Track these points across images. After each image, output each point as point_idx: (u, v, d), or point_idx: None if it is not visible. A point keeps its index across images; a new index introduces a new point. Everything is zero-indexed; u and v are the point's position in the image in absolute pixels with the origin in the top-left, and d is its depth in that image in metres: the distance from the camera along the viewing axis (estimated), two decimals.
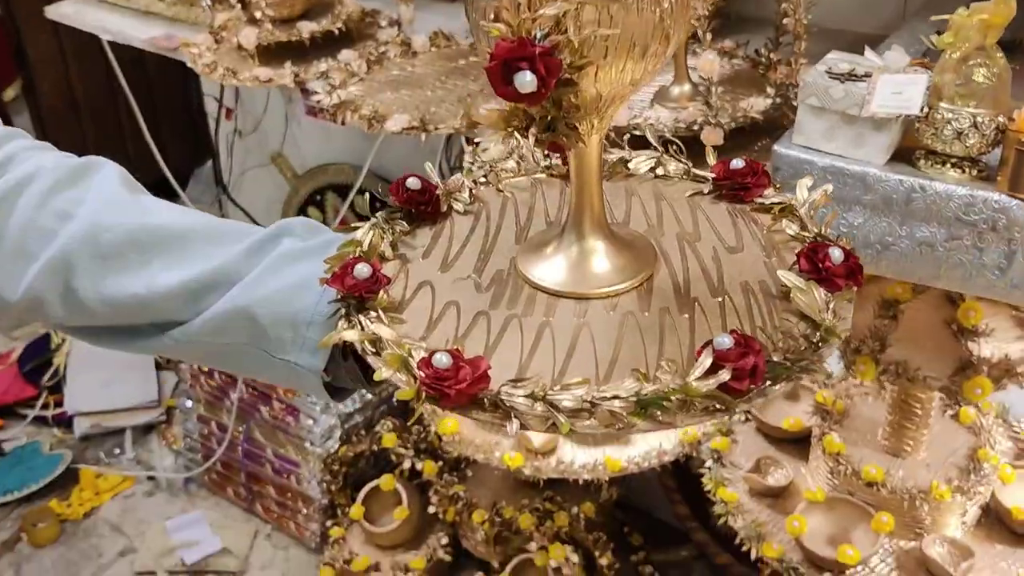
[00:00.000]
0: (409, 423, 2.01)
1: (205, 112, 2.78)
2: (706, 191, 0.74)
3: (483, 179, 0.78)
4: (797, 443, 1.63)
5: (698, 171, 0.76)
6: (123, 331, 0.75)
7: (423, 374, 0.55)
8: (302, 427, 2.12)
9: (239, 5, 1.67)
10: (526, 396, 0.55)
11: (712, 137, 1.22)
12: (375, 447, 2.12)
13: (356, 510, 2.03)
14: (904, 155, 1.02)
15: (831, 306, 0.59)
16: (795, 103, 1.24)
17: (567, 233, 0.66)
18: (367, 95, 1.54)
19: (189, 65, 1.68)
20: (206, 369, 2.23)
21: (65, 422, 2.55)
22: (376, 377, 0.58)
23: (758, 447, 1.65)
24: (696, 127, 1.24)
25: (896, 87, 0.98)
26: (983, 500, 1.47)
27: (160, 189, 2.85)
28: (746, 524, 1.50)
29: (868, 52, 1.05)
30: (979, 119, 0.95)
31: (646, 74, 0.58)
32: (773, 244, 0.68)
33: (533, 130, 0.56)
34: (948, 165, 0.98)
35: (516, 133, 0.57)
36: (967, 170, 0.98)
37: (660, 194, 0.75)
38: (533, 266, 0.67)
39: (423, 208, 0.73)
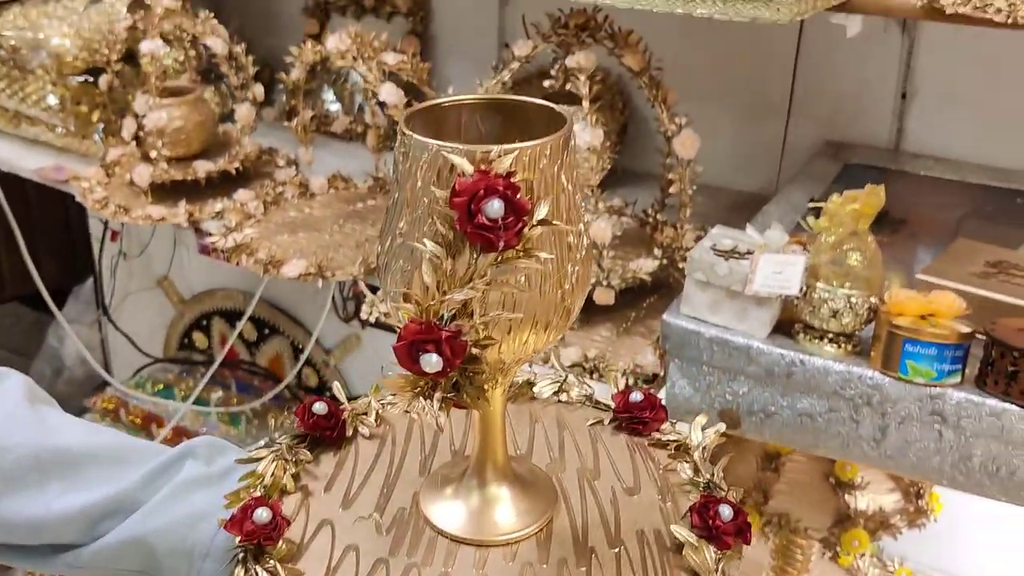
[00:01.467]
0: None
1: (87, 227, 2.71)
2: (606, 421, 0.77)
3: (391, 398, 0.79)
4: None
5: (599, 399, 0.79)
6: (15, 548, 0.72)
7: None
8: None
9: (133, 142, 1.66)
10: None
11: (603, 297, 1.27)
12: None
13: None
14: (784, 328, 1.07)
15: (720, 566, 0.61)
16: (680, 265, 1.30)
17: (468, 478, 0.67)
18: (263, 237, 1.54)
19: (79, 199, 1.66)
20: None
21: None
22: None
23: None
24: (588, 288, 1.28)
25: (776, 267, 1.04)
26: None
27: (35, 306, 2.75)
28: None
29: (749, 229, 1.12)
30: (853, 299, 1.01)
31: (548, 342, 0.60)
32: (668, 487, 0.70)
33: (438, 395, 0.58)
34: (825, 340, 1.04)
35: (421, 398, 0.58)
36: (843, 345, 1.04)
37: (563, 422, 0.77)
38: (434, 507, 0.67)
39: (328, 433, 0.74)
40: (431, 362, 0.54)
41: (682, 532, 0.63)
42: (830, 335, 1.04)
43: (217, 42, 1.63)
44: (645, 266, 1.30)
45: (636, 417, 0.75)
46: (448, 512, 0.66)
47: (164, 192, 1.63)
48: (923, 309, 0.99)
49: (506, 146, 0.53)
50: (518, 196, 0.53)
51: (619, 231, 1.39)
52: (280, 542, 0.64)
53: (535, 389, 0.81)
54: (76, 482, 0.70)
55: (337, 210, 1.64)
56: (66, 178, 1.72)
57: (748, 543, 0.64)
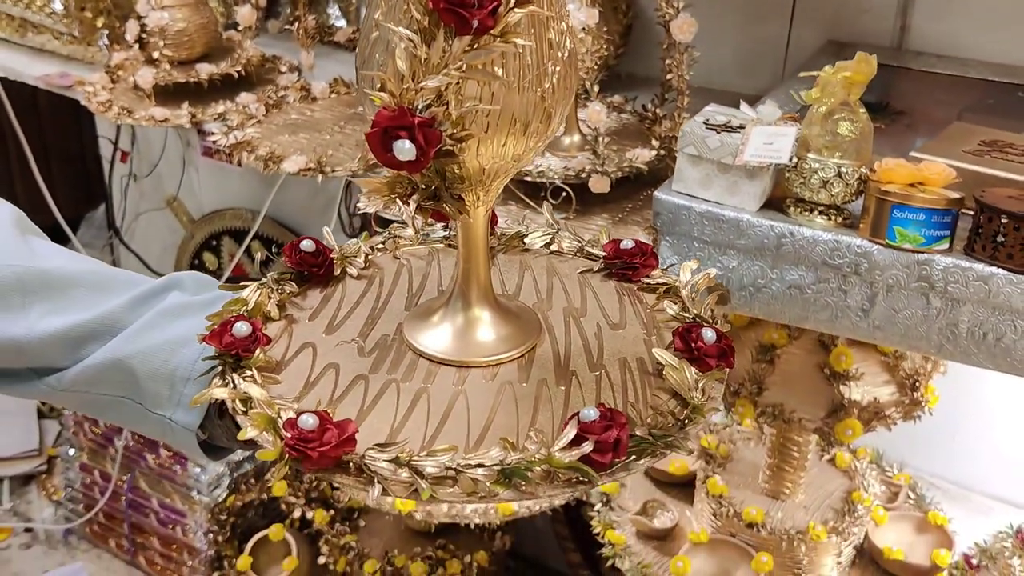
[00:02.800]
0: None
1: (99, 155, 2.73)
2: (596, 269, 0.77)
3: (381, 245, 0.80)
4: (683, 486, 1.67)
5: (591, 249, 0.79)
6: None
7: (288, 435, 0.55)
8: (189, 475, 2.07)
9: (136, 45, 1.67)
10: (390, 461, 0.55)
11: (599, 185, 1.27)
12: (265, 496, 2.09)
13: (243, 561, 1.98)
14: (775, 203, 1.07)
15: (701, 385, 0.61)
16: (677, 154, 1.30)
17: (453, 302, 0.67)
18: (264, 137, 1.54)
19: (83, 103, 1.66)
20: (90, 417, 2.17)
21: None
22: (240, 436, 0.57)
23: (645, 490, 1.68)
24: (585, 175, 1.28)
25: (767, 138, 1.04)
26: (857, 541, 1.52)
27: (51, 233, 2.78)
28: (633, 566, 1.53)
29: (743, 106, 1.11)
30: (843, 169, 1.01)
31: (528, 150, 0.60)
32: (654, 323, 0.70)
33: (416, 198, 0.57)
34: (815, 212, 1.04)
35: (399, 200, 0.58)
36: (833, 217, 1.04)
37: (553, 269, 0.78)
38: (418, 332, 0.68)
39: (315, 271, 0.74)
40: (404, 149, 0.54)
41: (663, 355, 0.64)
42: (820, 207, 1.04)
43: None
44: (642, 155, 1.30)
45: (626, 263, 0.76)
46: (432, 335, 0.67)
47: (168, 95, 1.64)
48: (913, 177, 0.99)
49: None
50: None
51: (618, 125, 1.38)
52: (259, 352, 0.64)
53: (526, 240, 0.81)
54: (60, 305, 0.71)
55: (338, 113, 1.65)
56: (71, 83, 1.73)
57: (731, 367, 0.64)
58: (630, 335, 0.69)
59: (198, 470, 2.06)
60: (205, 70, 1.64)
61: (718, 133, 1.06)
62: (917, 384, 1.36)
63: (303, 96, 1.68)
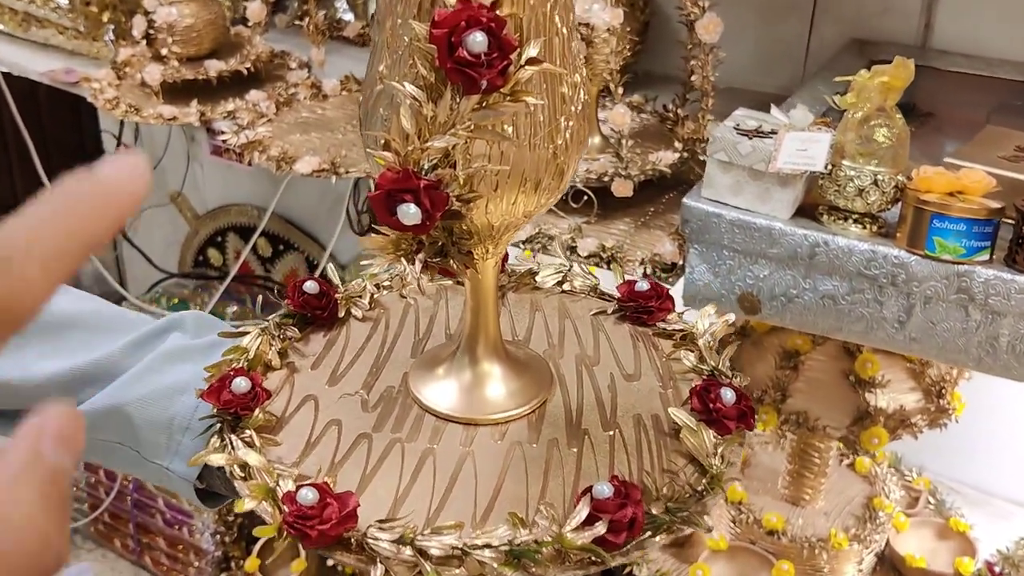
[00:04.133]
0: None
1: (100, 149, 2.70)
2: (610, 311, 0.74)
3: (387, 283, 0.76)
4: None
5: (604, 289, 0.76)
6: None
7: (286, 510, 0.53)
8: None
9: (144, 41, 1.63)
10: (393, 541, 0.52)
11: (622, 188, 1.24)
12: None
13: (251, 563, 1.96)
14: (808, 210, 1.05)
15: (720, 451, 0.58)
16: (702, 158, 1.27)
17: (460, 355, 0.64)
18: (276, 136, 1.51)
19: (90, 100, 1.63)
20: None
21: None
22: (237, 508, 0.55)
23: None
24: (607, 179, 1.25)
25: (801, 144, 1.01)
26: (879, 548, 1.50)
27: None
28: (651, 573, 1.50)
29: (774, 110, 1.08)
30: (880, 177, 0.98)
31: (540, 206, 0.57)
32: (670, 374, 0.67)
33: (421, 256, 0.54)
34: (850, 221, 1.01)
35: (404, 259, 0.55)
36: (867, 226, 1.01)
37: (565, 311, 0.74)
38: (424, 386, 0.65)
39: (319, 313, 0.71)
40: (409, 213, 0.50)
41: (680, 415, 0.60)
42: (855, 215, 1.01)
43: None
44: (665, 158, 1.27)
45: (641, 306, 0.72)
46: (437, 390, 0.64)
47: (176, 93, 1.60)
48: (952, 186, 0.96)
49: None
50: (504, 31, 0.48)
51: (638, 126, 1.35)
52: (258, 412, 0.61)
53: (538, 279, 0.78)
54: (57, 347, 0.68)
55: (350, 111, 1.62)
56: (76, 79, 1.70)
57: (751, 428, 0.61)
58: (645, 388, 0.66)
59: None
60: (214, 67, 1.61)
61: (749, 139, 1.03)
62: (943, 391, 1.34)
63: (314, 94, 1.65)
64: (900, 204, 0.99)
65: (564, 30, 0.53)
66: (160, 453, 0.67)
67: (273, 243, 2.30)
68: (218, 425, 0.61)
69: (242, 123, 1.53)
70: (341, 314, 0.73)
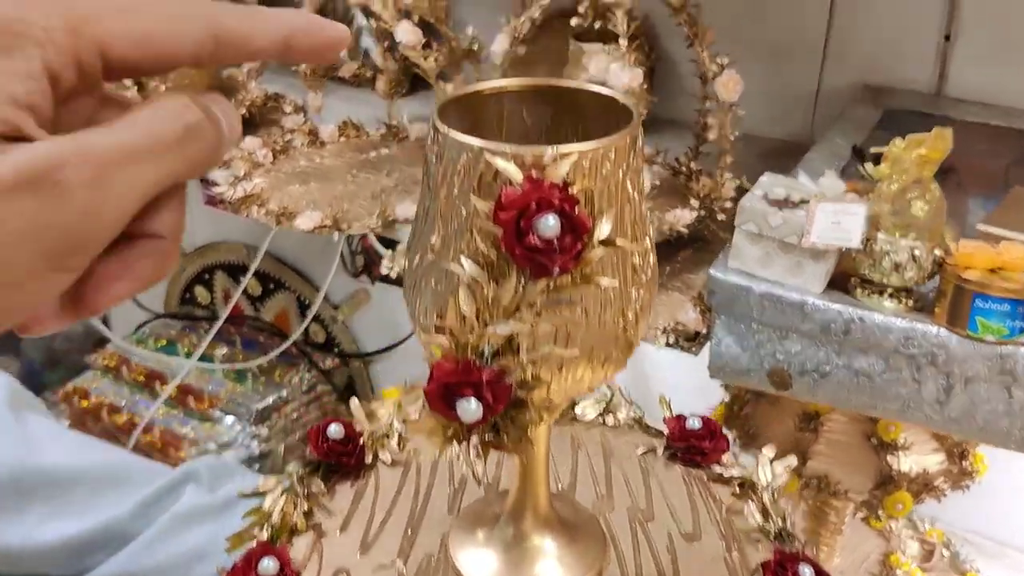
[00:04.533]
0: None
1: None
2: (659, 451, 0.70)
3: (415, 418, 0.71)
4: None
5: (650, 423, 0.72)
6: None
7: None
8: None
9: (135, 87, 1.57)
10: None
11: None
12: None
13: None
14: (839, 282, 1.01)
15: None
16: (720, 217, 1.23)
17: (504, 526, 0.59)
18: (273, 188, 1.46)
19: None
20: None
21: None
22: None
23: None
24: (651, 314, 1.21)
25: (834, 217, 0.97)
26: None
27: None
28: None
29: (802, 176, 1.05)
30: (917, 252, 0.95)
31: (605, 379, 0.53)
32: (734, 533, 0.63)
33: (475, 441, 0.49)
34: (884, 295, 0.98)
35: (456, 443, 0.49)
36: (903, 300, 0.97)
37: (609, 449, 0.70)
38: (465, 555, 0.59)
39: (345, 460, 0.66)
40: (469, 409, 0.46)
41: None
42: (890, 290, 0.97)
43: None
44: (683, 218, 1.24)
45: (694, 447, 0.68)
46: (481, 562, 0.59)
47: None
48: (992, 262, 0.92)
49: (563, 147, 0.44)
50: (577, 211, 0.43)
51: (656, 180, 1.32)
52: None
53: (577, 410, 0.74)
54: (61, 507, 0.64)
55: (349, 159, 1.57)
56: None
57: None
58: (708, 550, 0.61)
59: None
60: None
61: (780, 209, 0.99)
62: (966, 453, 1.31)
63: (311, 140, 1.60)
64: (939, 279, 0.95)
65: (636, 195, 0.49)
66: None
67: (263, 282, 2.24)
68: None
69: (237, 174, 1.48)
70: (368, 459, 0.68)
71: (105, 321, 2.53)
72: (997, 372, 0.92)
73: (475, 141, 0.45)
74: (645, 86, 1.21)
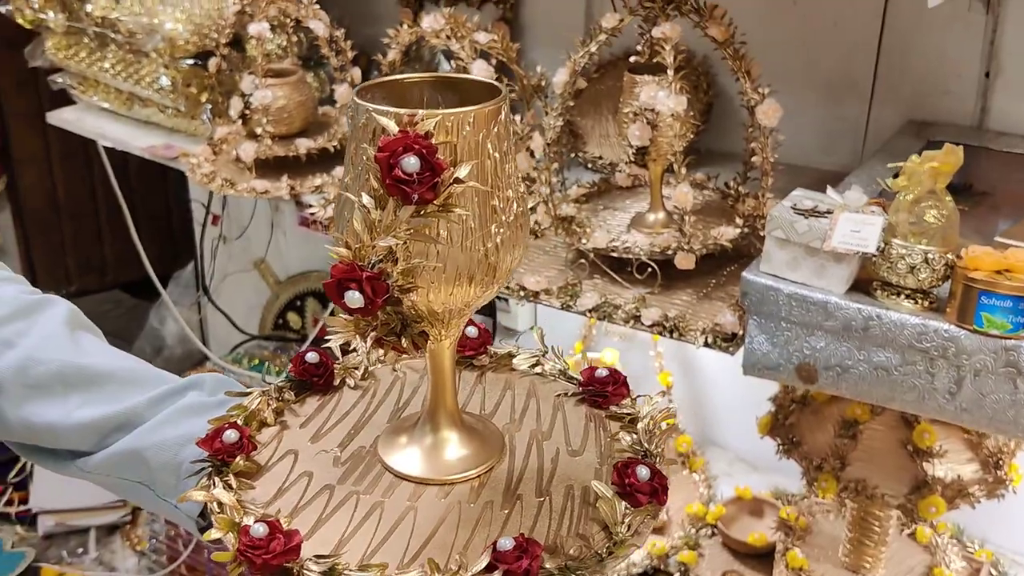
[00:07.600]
0: None
1: (184, 216, 2.86)
2: (571, 393, 0.82)
3: (383, 358, 0.86)
4: (761, 558, 1.68)
5: (572, 374, 0.84)
6: (39, 450, 0.83)
7: (240, 541, 0.62)
8: None
9: (239, 121, 1.76)
10: (322, 573, 0.61)
11: (685, 262, 1.31)
12: None
13: None
14: (862, 285, 1.11)
15: (627, 520, 0.65)
16: (762, 233, 1.33)
17: (422, 423, 0.74)
18: None
19: (187, 174, 1.76)
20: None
21: (29, 520, 2.53)
22: (205, 537, 0.65)
23: (724, 561, 1.69)
24: (670, 252, 1.32)
25: (855, 225, 1.07)
26: None
27: (142, 287, 2.89)
28: None
29: (830, 190, 1.15)
30: (930, 256, 1.04)
31: (477, 297, 0.66)
32: (610, 452, 0.74)
33: (372, 334, 0.64)
34: (902, 296, 1.07)
35: (357, 336, 0.65)
36: (919, 301, 1.06)
37: (533, 391, 0.83)
38: (389, 447, 0.74)
39: (316, 380, 0.81)
40: (353, 298, 0.61)
41: (600, 487, 0.68)
42: (907, 291, 1.07)
43: (319, 25, 1.72)
44: (727, 233, 1.34)
45: (599, 391, 0.80)
46: (399, 451, 0.74)
47: (267, 168, 1.72)
48: (999, 264, 1.01)
49: (430, 111, 0.60)
50: (436, 156, 0.59)
51: (700, 202, 1.43)
52: (240, 459, 0.71)
53: (515, 361, 0.87)
54: (94, 397, 0.80)
55: None
56: (176, 155, 1.83)
57: (663, 504, 0.68)
58: (584, 463, 0.74)
59: None
60: (303, 144, 1.73)
61: (806, 218, 1.10)
62: (1000, 463, 1.37)
63: None
64: (950, 281, 1.04)
65: (496, 155, 0.63)
66: (170, 492, 0.78)
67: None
68: (209, 468, 0.71)
69: (329, 197, 1.63)
70: (336, 383, 0.83)
71: (204, 344, 2.73)
72: (1003, 364, 1.00)
73: (370, 105, 0.61)
74: (691, 113, 1.33)
